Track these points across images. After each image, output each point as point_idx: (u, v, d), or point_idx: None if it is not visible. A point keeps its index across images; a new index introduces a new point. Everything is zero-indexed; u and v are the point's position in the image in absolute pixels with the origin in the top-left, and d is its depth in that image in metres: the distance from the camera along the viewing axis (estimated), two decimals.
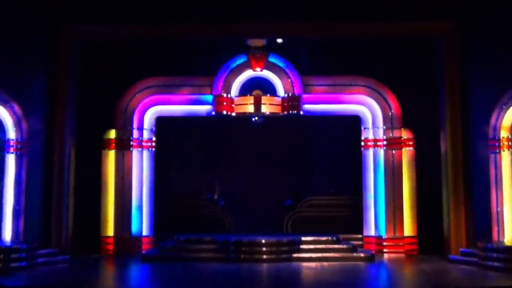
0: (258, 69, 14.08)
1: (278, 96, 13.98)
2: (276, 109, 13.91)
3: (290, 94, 13.94)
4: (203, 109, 14.15)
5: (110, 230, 13.71)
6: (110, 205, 13.74)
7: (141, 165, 13.87)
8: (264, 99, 13.90)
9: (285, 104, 13.92)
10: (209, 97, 13.94)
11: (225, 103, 13.97)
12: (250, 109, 13.91)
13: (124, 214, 13.71)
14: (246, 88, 14.12)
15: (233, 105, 13.97)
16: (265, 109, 13.90)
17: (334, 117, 14.26)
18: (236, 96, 14.01)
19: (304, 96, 13.95)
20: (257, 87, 14.05)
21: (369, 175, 13.96)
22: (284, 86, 14.12)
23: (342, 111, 14.13)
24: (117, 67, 14.15)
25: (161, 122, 14.26)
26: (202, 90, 14.08)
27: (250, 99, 13.89)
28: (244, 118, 14.11)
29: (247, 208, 15.33)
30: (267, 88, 14.09)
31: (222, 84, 14.10)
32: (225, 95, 14.01)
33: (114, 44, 14.12)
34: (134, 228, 13.71)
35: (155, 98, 14.12)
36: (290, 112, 13.90)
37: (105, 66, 14.14)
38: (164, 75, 14.15)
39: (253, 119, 14.26)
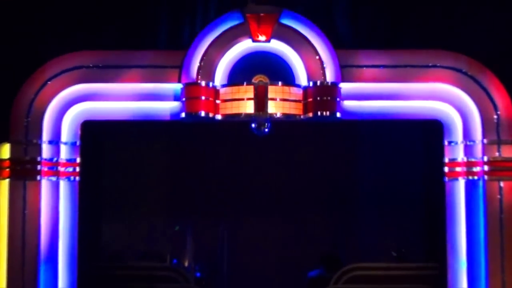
0: (262, 38, 9.88)
1: (298, 86, 9.88)
2: (294, 109, 9.82)
3: (318, 83, 9.74)
4: (165, 108, 10.02)
5: None
6: (1, 274, 9.78)
7: (56, 205, 9.90)
8: (273, 90, 9.79)
9: (310, 100, 9.79)
10: (176, 87, 9.92)
11: (203, 98, 9.76)
12: (249, 108, 9.78)
13: None
14: (242, 72, 10.08)
15: (218, 102, 9.85)
16: (274, 108, 9.77)
17: (396, 124, 10.25)
18: (223, 86, 9.91)
19: (344, 85, 9.81)
20: (260, 70, 10.04)
21: (458, 225, 9.87)
22: (308, 69, 9.91)
23: (410, 112, 10.02)
24: (20, 36, 10.33)
25: (92, 131, 10.31)
26: (163, 74, 9.99)
27: (249, 91, 9.77)
28: (238, 124, 10.14)
29: (241, 282, 11.43)
30: (278, 71, 10.08)
31: (199, 64, 9.88)
32: (203, 83, 9.76)
33: None
34: None
35: (82, 88, 10.00)
36: (319, 113, 9.73)
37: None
38: (99, 48, 10.12)
39: (254, 125, 10.02)
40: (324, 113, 9.69)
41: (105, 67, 9.92)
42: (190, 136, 10.98)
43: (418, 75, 9.88)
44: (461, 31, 10.21)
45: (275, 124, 9.92)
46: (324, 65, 9.78)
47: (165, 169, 11.56)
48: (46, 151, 9.81)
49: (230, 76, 10.01)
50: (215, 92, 9.79)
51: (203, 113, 9.71)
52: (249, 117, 9.79)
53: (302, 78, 9.91)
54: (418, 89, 9.90)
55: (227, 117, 9.81)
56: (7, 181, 9.68)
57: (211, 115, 9.74)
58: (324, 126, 10.35)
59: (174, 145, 11.37)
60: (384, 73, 9.91)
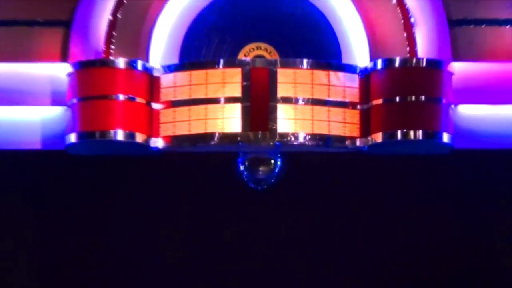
0: None
1: (349, 70, 4.54)
2: (342, 124, 4.46)
3: (398, 62, 4.43)
4: (34, 121, 4.75)
5: None
6: None
7: None
8: (289, 78, 4.45)
9: (378, 102, 4.48)
10: (59, 72, 4.64)
11: (122, 98, 4.45)
12: (233, 122, 4.44)
13: None
14: (214, 37, 4.79)
15: (157, 107, 4.52)
16: (292, 122, 4.45)
17: None
18: (171, 70, 4.56)
19: (460, 67, 4.59)
20: (258, 33, 4.79)
21: None
22: (371, 29, 4.66)
23: None
24: None
25: None
26: (31, 43, 4.79)
27: (232, 82, 4.47)
28: (206, 157, 4.93)
29: None
30: (301, 36, 4.78)
31: (111, 17, 4.61)
32: (122, 63, 4.45)
33: None
34: None
35: None
36: (399, 135, 4.40)
37: None
38: None
39: (243, 163, 4.60)
40: (413, 134, 4.46)
41: None
42: (115, 181, 5.50)
43: None
44: None
45: (296, 157, 4.80)
46: (412, 20, 4.84)
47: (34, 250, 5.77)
48: None
49: (184, 47, 4.81)
50: (151, 85, 4.54)
51: (121, 135, 4.52)
52: (233, 145, 4.61)
53: (358, 51, 4.71)
54: None
55: (178, 144, 4.62)
56: None
57: (140, 139, 4.50)
58: (410, 166, 5.04)
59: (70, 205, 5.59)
60: None
